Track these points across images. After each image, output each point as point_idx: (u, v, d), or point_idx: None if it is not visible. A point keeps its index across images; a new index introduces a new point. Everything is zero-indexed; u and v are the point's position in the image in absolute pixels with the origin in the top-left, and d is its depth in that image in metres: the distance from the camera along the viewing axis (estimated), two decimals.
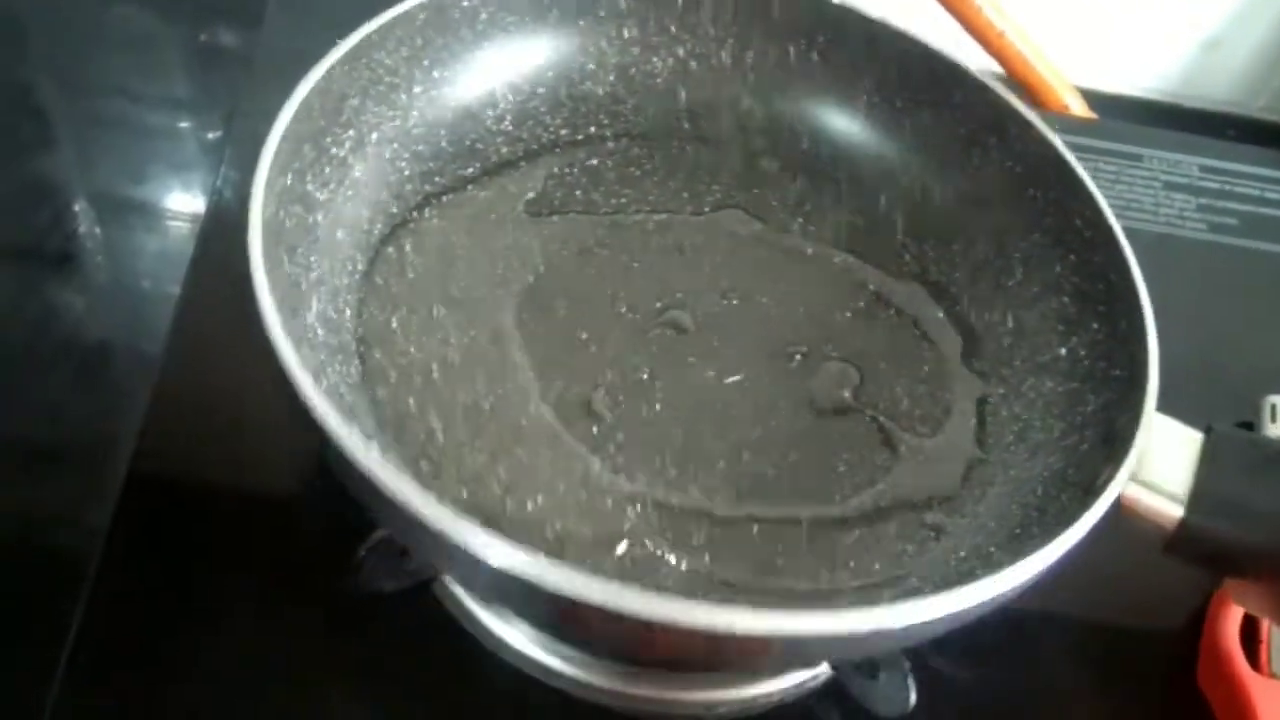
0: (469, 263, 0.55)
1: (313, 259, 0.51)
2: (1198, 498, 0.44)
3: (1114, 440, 0.46)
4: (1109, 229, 0.51)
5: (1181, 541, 0.44)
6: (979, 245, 0.57)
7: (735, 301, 0.57)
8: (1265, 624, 0.55)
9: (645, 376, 0.53)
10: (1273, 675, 0.54)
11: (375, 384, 0.50)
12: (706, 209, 0.60)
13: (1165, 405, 0.46)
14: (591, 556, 0.47)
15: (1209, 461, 0.45)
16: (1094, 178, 0.54)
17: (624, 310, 0.56)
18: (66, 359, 0.64)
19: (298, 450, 0.59)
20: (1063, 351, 0.52)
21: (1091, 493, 0.43)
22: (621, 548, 0.47)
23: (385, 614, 0.54)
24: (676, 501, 0.49)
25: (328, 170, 0.53)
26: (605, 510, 0.48)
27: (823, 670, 0.53)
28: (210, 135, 0.71)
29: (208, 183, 0.67)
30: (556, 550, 0.46)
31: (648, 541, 0.48)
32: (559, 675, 0.53)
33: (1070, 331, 0.52)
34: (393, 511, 0.39)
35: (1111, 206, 0.53)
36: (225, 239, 0.64)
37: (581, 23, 0.61)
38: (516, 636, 0.53)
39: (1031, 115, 0.55)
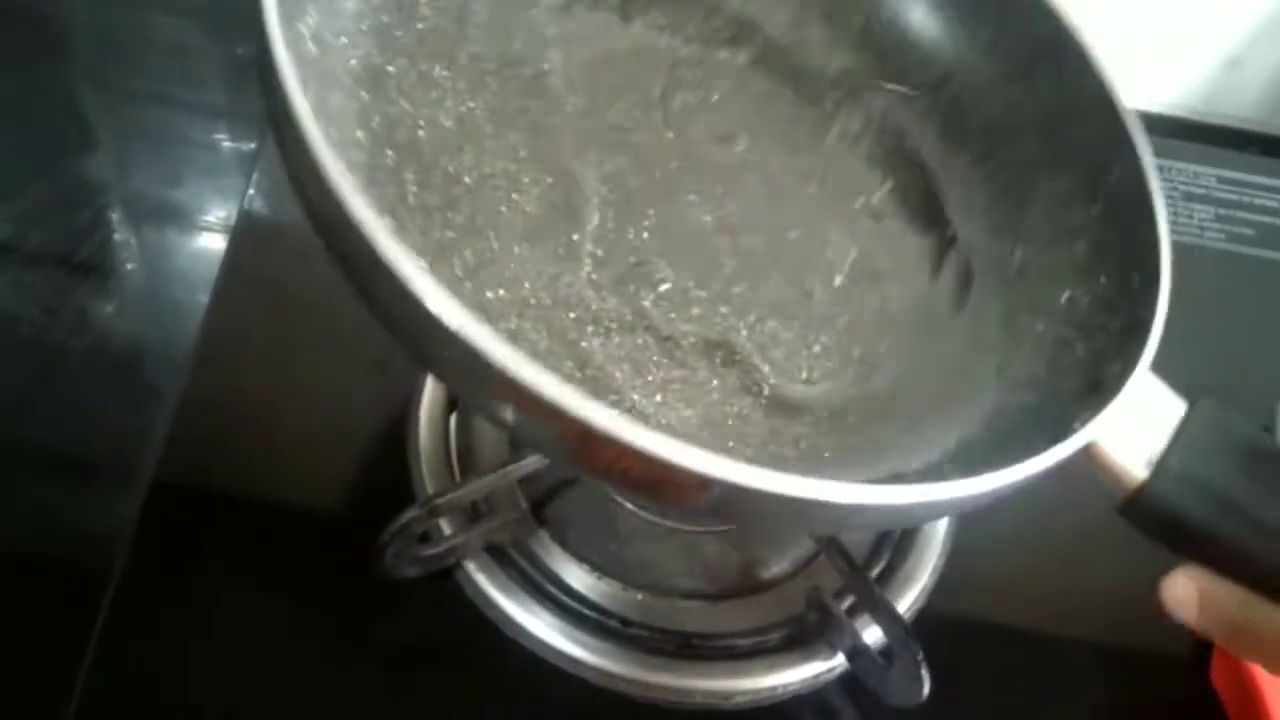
0: (485, 32, 0.50)
1: None
2: (1164, 467, 0.42)
3: (1100, 389, 0.43)
4: (1146, 186, 0.48)
5: (1138, 506, 0.43)
6: (1007, 172, 0.53)
7: (741, 153, 0.52)
8: None
9: (639, 201, 0.49)
10: None
11: (356, 125, 0.45)
12: (743, 56, 0.54)
13: None
14: (541, 360, 0.41)
15: (1186, 433, 0.43)
16: None
17: (632, 130, 0.51)
18: (96, 363, 0.65)
19: (323, 456, 0.61)
20: (1064, 298, 0.49)
21: (1062, 435, 0.41)
22: (570, 364, 0.44)
23: (407, 601, 0.55)
24: (640, 335, 0.46)
25: None
26: (564, 322, 0.45)
27: (839, 662, 0.54)
28: (244, 146, 0.72)
29: (240, 192, 0.68)
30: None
31: (602, 368, 0.45)
32: (579, 663, 0.53)
33: (1078, 280, 0.49)
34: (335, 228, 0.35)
35: None
36: (256, 248, 0.66)
37: None
38: (537, 624, 0.54)
39: (1093, 55, 0.51)
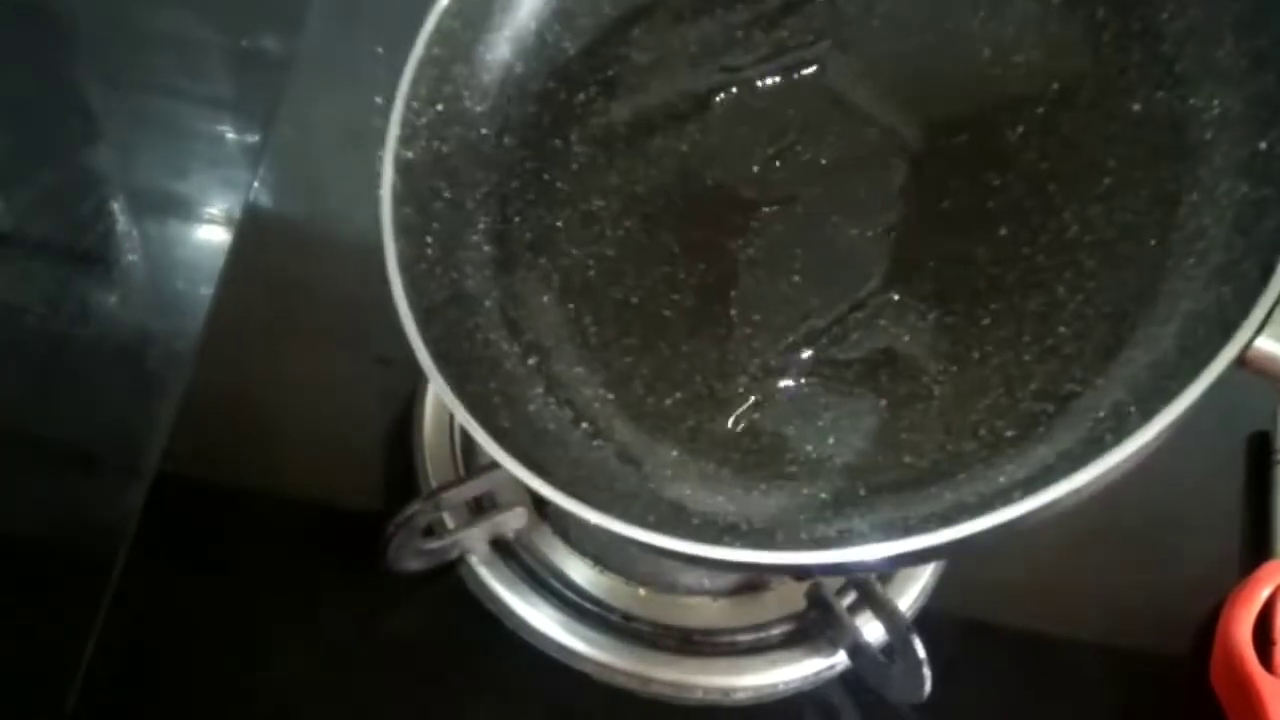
0: (628, 142, 0.53)
1: (479, 174, 0.51)
2: None
3: (1269, 273, 0.39)
4: None
5: None
6: (1189, 10, 0.47)
7: (884, 136, 0.51)
8: (1278, 625, 0.55)
9: (785, 245, 0.50)
10: None
11: (541, 291, 0.50)
12: (877, 19, 0.53)
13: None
14: (721, 449, 0.46)
15: None
16: None
17: (769, 175, 0.52)
18: (100, 354, 0.65)
19: (327, 449, 0.61)
20: (1262, 146, 0.44)
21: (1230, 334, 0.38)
22: (746, 441, 0.46)
23: (410, 594, 0.55)
24: (805, 384, 0.47)
25: (486, 79, 0.52)
26: (733, 400, 0.47)
27: (840, 659, 0.54)
28: (249, 139, 0.72)
29: (245, 185, 0.68)
30: (689, 444, 0.46)
31: (775, 433, 0.46)
32: (581, 657, 0.54)
33: (1274, 118, 0.44)
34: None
35: None
36: (261, 242, 0.66)
37: None
38: (540, 618, 0.54)
39: None
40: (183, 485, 0.58)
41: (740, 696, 0.54)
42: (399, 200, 0.47)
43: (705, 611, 0.55)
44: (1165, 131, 0.47)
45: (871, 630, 0.53)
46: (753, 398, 0.47)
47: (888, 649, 0.52)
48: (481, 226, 0.51)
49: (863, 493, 0.44)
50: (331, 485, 0.59)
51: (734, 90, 0.54)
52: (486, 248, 0.51)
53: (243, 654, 0.54)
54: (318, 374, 0.62)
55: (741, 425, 0.47)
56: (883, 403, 0.46)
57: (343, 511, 0.58)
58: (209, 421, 0.60)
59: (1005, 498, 0.38)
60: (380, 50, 0.69)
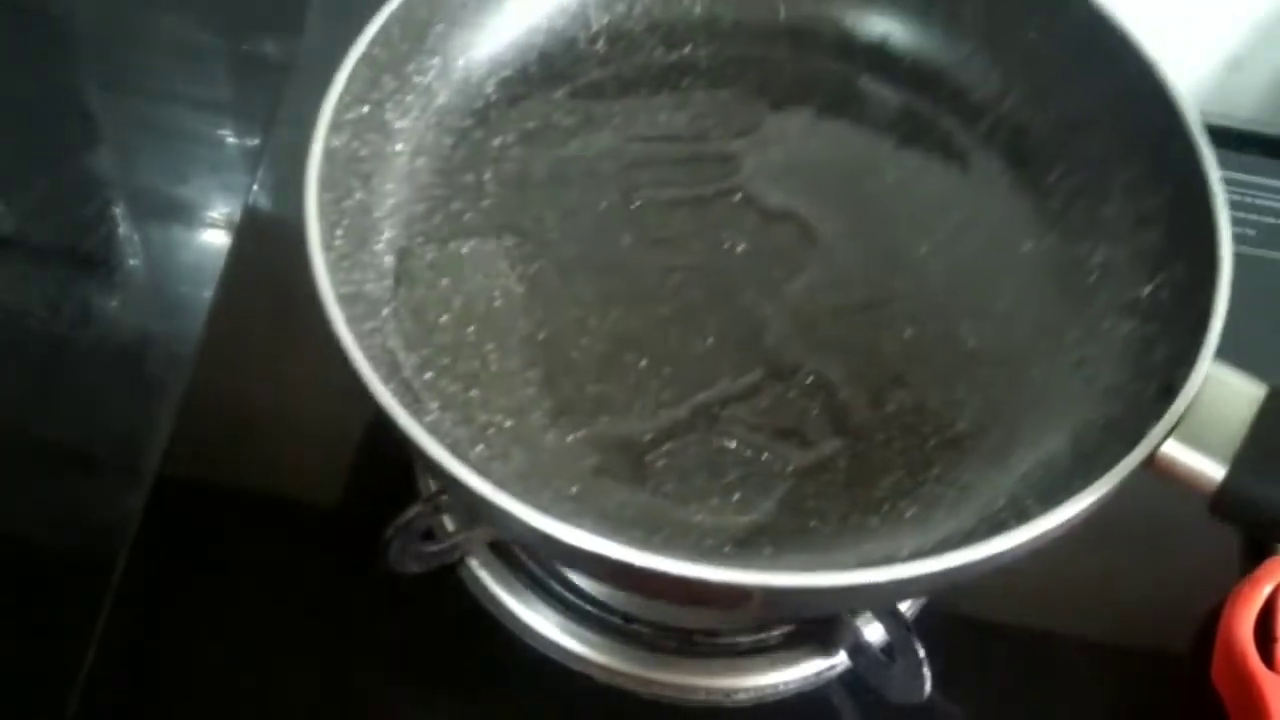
0: (545, 192, 0.55)
1: (389, 186, 0.53)
2: (1244, 459, 0.42)
3: (1171, 392, 0.43)
4: (1202, 164, 0.48)
5: (1225, 504, 0.42)
6: (1078, 172, 0.54)
7: (800, 227, 0.55)
8: None
9: (701, 311, 0.52)
10: None
11: (440, 310, 0.51)
12: (796, 129, 0.58)
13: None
14: (625, 490, 0.47)
15: (1267, 420, 0.42)
16: None
17: (688, 243, 0.54)
18: (101, 358, 0.65)
19: (326, 452, 0.61)
20: (1146, 291, 0.49)
21: (1134, 443, 0.42)
22: (650, 483, 0.47)
23: (410, 597, 0.55)
24: (714, 443, 0.49)
25: (409, 98, 0.54)
26: (641, 446, 0.48)
27: (840, 660, 0.54)
28: (249, 142, 0.72)
29: (245, 189, 0.68)
30: (590, 481, 0.47)
31: (682, 480, 0.48)
32: (582, 659, 0.53)
33: (1157, 269, 0.49)
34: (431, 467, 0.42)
35: None
36: (260, 245, 0.66)
37: None
38: (540, 620, 0.54)
39: (1136, 40, 0.52)
40: (183, 486, 0.58)
41: (741, 697, 0.54)
42: (323, 184, 0.48)
43: (705, 612, 0.55)
44: (1053, 271, 0.53)
45: (872, 630, 0.52)
46: (661, 447, 0.48)
47: (888, 649, 0.52)
48: (386, 237, 0.52)
49: (768, 551, 0.45)
50: (331, 487, 0.59)
51: (655, 164, 0.57)
52: (388, 259, 0.51)
53: (243, 654, 0.54)
54: (317, 376, 0.62)
55: (646, 472, 0.48)
56: (789, 468, 0.48)
57: (343, 514, 0.58)
58: (209, 423, 0.60)
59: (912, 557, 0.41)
60: None
